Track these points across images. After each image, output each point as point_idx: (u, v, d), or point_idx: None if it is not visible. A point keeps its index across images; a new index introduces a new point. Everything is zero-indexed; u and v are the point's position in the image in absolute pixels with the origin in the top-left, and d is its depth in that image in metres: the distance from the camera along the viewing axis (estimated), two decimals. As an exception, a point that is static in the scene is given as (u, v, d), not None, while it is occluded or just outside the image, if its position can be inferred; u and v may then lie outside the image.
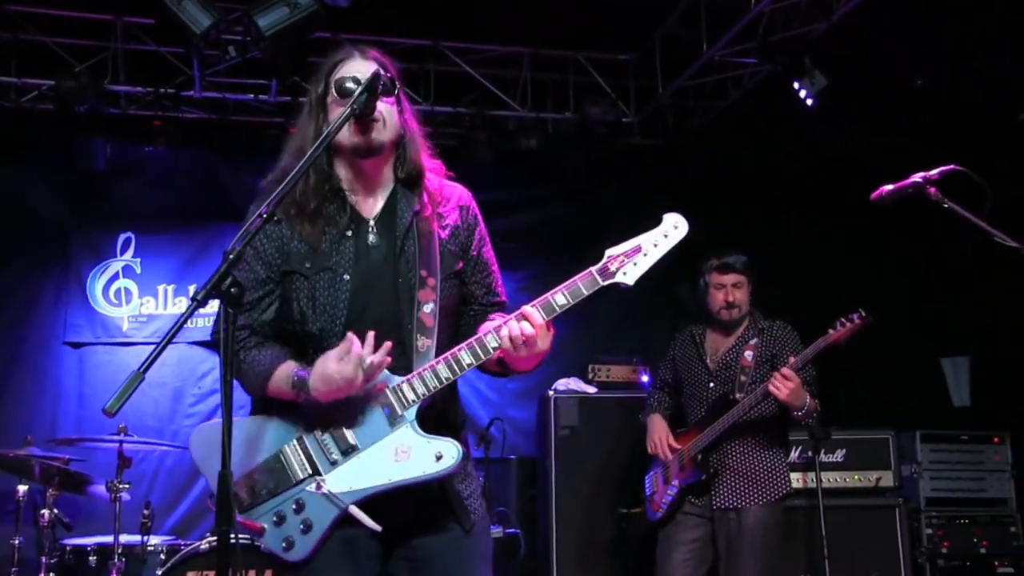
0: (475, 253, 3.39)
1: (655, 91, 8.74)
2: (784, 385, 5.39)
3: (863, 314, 5.43)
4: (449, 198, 3.40)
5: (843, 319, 5.46)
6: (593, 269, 3.10)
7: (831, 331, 5.48)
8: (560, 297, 3.06)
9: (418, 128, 3.36)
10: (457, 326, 3.37)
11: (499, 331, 3.04)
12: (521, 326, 3.01)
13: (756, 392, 5.56)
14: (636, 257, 3.11)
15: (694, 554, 5.78)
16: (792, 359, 5.51)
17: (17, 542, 6.41)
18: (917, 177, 3.86)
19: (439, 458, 3.03)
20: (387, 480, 3.03)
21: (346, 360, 2.92)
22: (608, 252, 3.11)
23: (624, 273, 3.09)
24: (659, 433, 6.00)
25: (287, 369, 3.06)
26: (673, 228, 3.16)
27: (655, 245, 3.13)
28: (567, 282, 3.08)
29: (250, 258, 3.10)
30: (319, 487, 3.04)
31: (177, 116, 8.34)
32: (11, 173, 8.29)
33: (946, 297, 8.11)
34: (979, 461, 7.61)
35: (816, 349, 5.50)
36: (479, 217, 3.45)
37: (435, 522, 3.16)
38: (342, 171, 3.24)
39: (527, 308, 3.04)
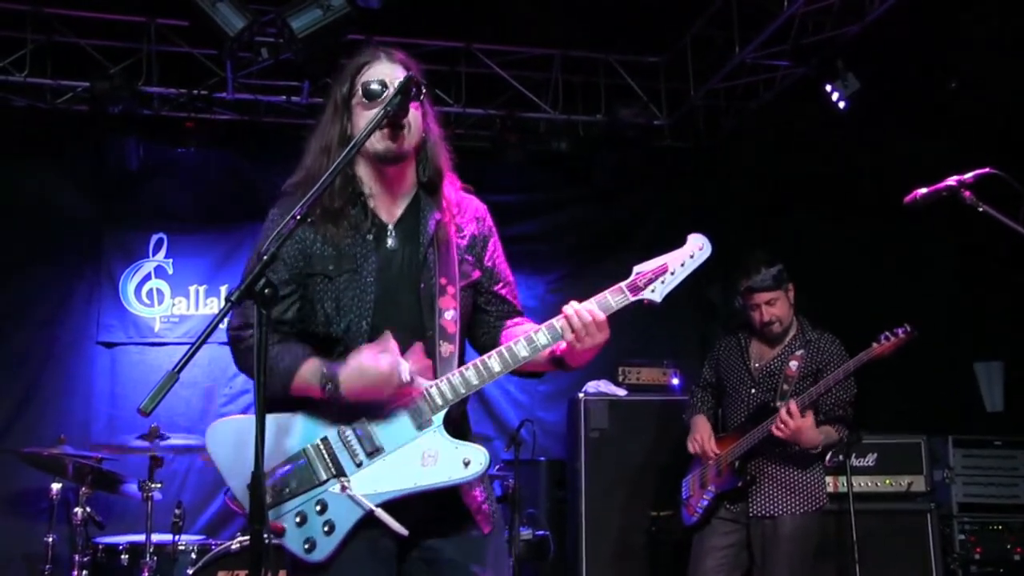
0: (490, 264, 3.41)
1: (686, 93, 8.72)
2: (787, 425, 5.36)
3: (908, 328, 5.31)
4: (466, 209, 3.41)
5: (887, 333, 5.34)
6: (623, 284, 3.15)
7: (875, 344, 5.36)
8: (590, 307, 3.09)
9: (440, 132, 3.36)
10: (471, 336, 3.41)
11: (557, 323, 3.08)
12: (588, 310, 3.06)
13: (774, 419, 5.49)
14: (664, 276, 3.17)
15: (727, 560, 5.74)
16: (792, 405, 5.39)
17: (50, 540, 6.48)
18: (951, 180, 3.84)
19: (467, 464, 3.04)
20: (413, 484, 3.03)
21: (383, 356, 2.95)
22: (636, 269, 3.18)
23: (652, 290, 3.16)
24: (702, 432, 5.91)
25: (314, 364, 3.05)
26: (698, 249, 3.23)
27: (682, 265, 3.19)
28: (597, 295, 3.13)
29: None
30: (344, 488, 3.04)
31: (209, 117, 8.40)
32: (45, 173, 8.36)
33: (980, 301, 8.04)
34: (1013, 467, 7.52)
35: (859, 362, 5.40)
36: (494, 229, 3.48)
37: (452, 524, 3.17)
38: (364, 174, 3.25)
39: (584, 304, 3.09)
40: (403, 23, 7.43)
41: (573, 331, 3.06)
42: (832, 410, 5.67)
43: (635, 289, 3.14)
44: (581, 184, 9.38)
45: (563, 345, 3.12)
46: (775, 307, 5.74)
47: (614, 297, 3.13)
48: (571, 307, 3.07)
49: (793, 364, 5.68)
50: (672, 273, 3.17)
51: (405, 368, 2.97)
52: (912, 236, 7.51)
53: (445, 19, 7.86)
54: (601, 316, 3.07)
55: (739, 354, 5.98)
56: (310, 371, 3.05)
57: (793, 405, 5.37)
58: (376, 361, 2.95)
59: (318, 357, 3.08)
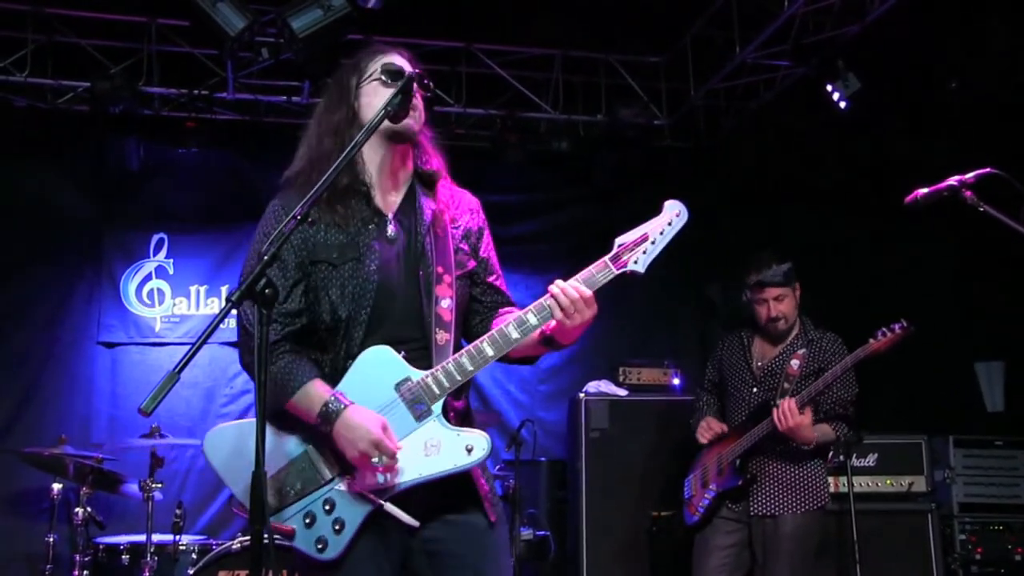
0: (486, 255, 3.47)
1: (686, 93, 8.72)
2: (785, 419, 5.39)
3: (905, 324, 5.32)
4: (460, 201, 3.47)
5: (884, 329, 5.35)
6: (606, 258, 3.18)
7: (872, 341, 5.37)
8: (576, 284, 3.13)
9: (431, 134, 3.44)
10: (466, 325, 3.45)
11: (545, 302, 3.11)
12: (574, 287, 3.09)
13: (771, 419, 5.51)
14: (644, 245, 3.19)
15: (729, 559, 5.74)
16: (790, 400, 5.43)
17: (51, 540, 6.50)
18: (952, 180, 3.83)
19: (470, 450, 3.06)
20: (418, 474, 3.05)
21: (387, 443, 2.97)
22: (618, 241, 3.21)
23: (635, 261, 3.18)
24: (709, 419, 5.98)
25: (319, 392, 3.06)
26: (675, 216, 3.27)
27: (661, 233, 3.22)
28: (582, 272, 3.16)
29: (281, 250, 3.11)
30: (350, 485, 3.05)
31: (210, 117, 8.39)
32: (45, 173, 8.35)
33: (980, 301, 8.04)
34: (1013, 467, 7.52)
35: (856, 359, 5.41)
36: (486, 222, 3.53)
37: (457, 514, 3.18)
38: (368, 160, 3.28)
39: (569, 282, 3.12)
40: (403, 23, 7.43)
41: (562, 309, 3.08)
42: (832, 408, 5.68)
43: (619, 262, 3.17)
44: (581, 184, 9.37)
45: (552, 323, 3.14)
46: (783, 304, 5.78)
47: (599, 272, 3.16)
48: (557, 285, 3.10)
49: (795, 363, 5.69)
50: (652, 242, 3.20)
51: (386, 459, 2.99)
52: (912, 236, 7.52)
53: (445, 19, 7.86)
54: (588, 292, 3.10)
55: (741, 353, 5.99)
56: (313, 396, 3.06)
57: (790, 401, 5.39)
58: (375, 436, 2.97)
59: (321, 382, 3.09)
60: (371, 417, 3.01)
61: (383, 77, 3.26)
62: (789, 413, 5.37)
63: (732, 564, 5.73)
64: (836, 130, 8.12)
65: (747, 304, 5.96)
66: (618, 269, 3.16)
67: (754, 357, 5.93)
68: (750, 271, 5.85)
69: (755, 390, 5.83)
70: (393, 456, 2.99)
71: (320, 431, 3.05)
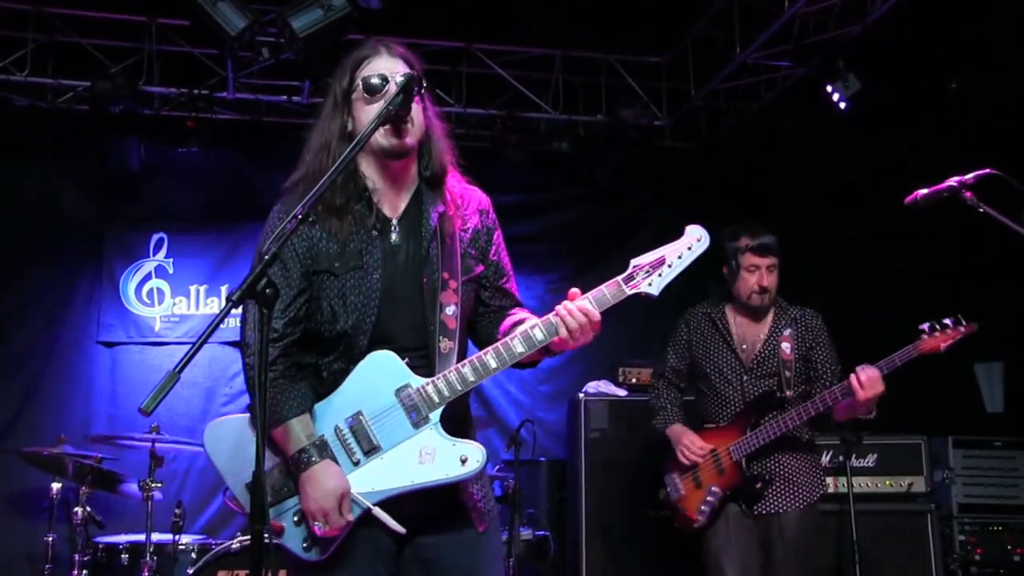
0: (495, 258, 3.41)
1: (687, 94, 8.72)
2: (868, 388, 5.05)
3: (964, 321, 5.14)
4: (469, 201, 3.40)
5: (935, 324, 5.14)
6: (619, 278, 3.13)
7: (925, 337, 5.14)
8: (585, 305, 3.08)
9: (441, 126, 3.36)
10: (472, 329, 3.41)
11: (553, 319, 3.08)
12: (583, 309, 3.05)
13: (833, 391, 5.19)
14: (661, 268, 3.15)
15: (754, 556, 5.42)
16: (871, 371, 5.08)
17: (50, 539, 6.49)
18: (952, 181, 3.83)
19: (464, 461, 3.04)
20: (410, 482, 3.04)
21: (334, 515, 2.97)
22: (633, 262, 3.16)
23: (649, 284, 3.13)
24: (691, 441, 5.53)
25: (302, 433, 3.04)
26: (696, 240, 3.23)
27: (679, 257, 3.18)
28: (594, 290, 3.11)
29: (285, 258, 3.09)
30: None
31: (210, 117, 8.39)
32: (46, 173, 8.38)
33: (980, 302, 8.03)
34: (1012, 468, 7.52)
35: (907, 356, 5.15)
36: (496, 221, 3.46)
37: (448, 522, 3.17)
38: (368, 169, 3.24)
39: (581, 300, 3.08)
40: (404, 23, 7.43)
41: (568, 330, 3.06)
42: (828, 381, 5.43)
43: (632, 283, 3.12)
44: (582, 184, 9.38)
45: (556, 339, 3.11)
46: (774, 275, 5.54)
47: (610, 291, 3.11)
48: (565, 307, 3.07)
49: (786, 347, 5.45)
50: (670, 265, 3.16)
51: (328, 521, 2.98)
52: (912, 236, 7.51)
53: (446, 19, 7.86)
54: (596, 315, 3.06)
55: (717, 335, 5.68)
56: (293, 436, 3.04)
57: (871, 369, 5.09)
58: (331, 504, 2.96)
59: (307, 423, 3.07)
60: (336, 484, 2.99)
61: (365, 94, 3.18)
62: (874, 380, 5.07)
63: (759, 560, 5.44)
64: (836, 130, 8.11)
65: (733, 272, 5.63)
66: (631, 290, 3.12)
67: (734, 339, 5.62)
68: (741, 236, 5.62)
69: (746, 378, 5.54)
70: (338, 531, 2.99)
71: (290, 468, 3.05)
